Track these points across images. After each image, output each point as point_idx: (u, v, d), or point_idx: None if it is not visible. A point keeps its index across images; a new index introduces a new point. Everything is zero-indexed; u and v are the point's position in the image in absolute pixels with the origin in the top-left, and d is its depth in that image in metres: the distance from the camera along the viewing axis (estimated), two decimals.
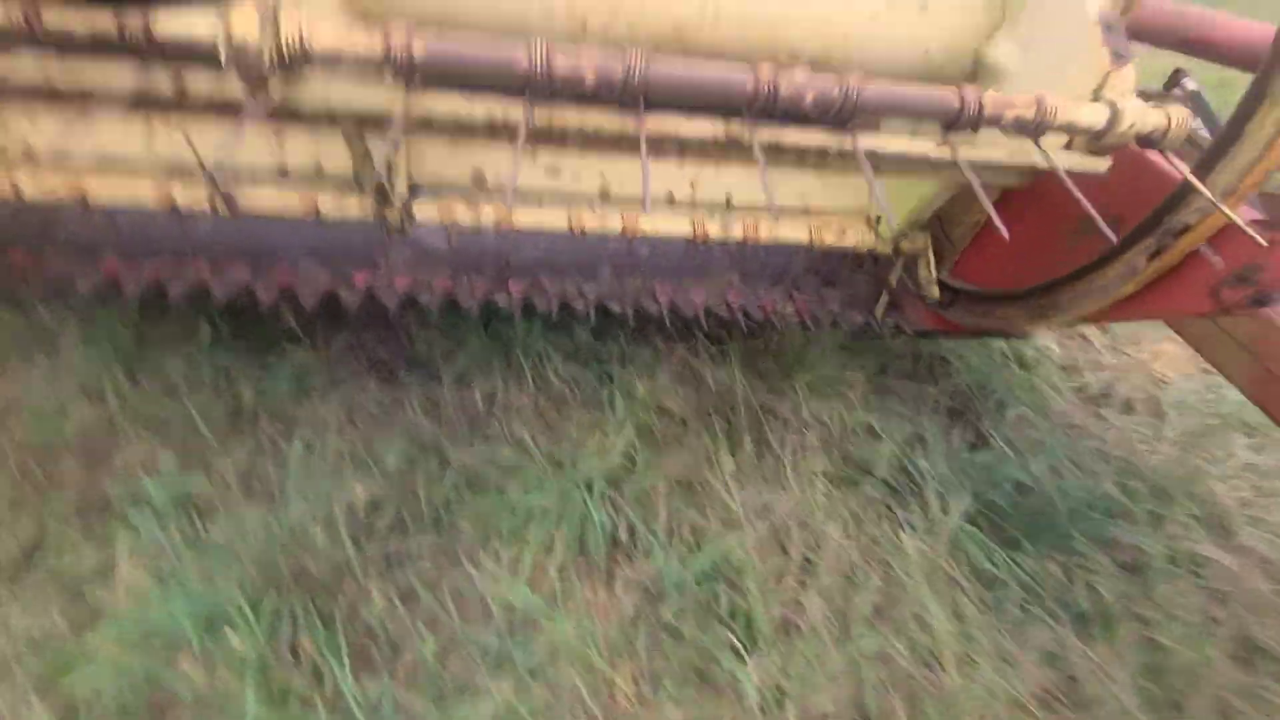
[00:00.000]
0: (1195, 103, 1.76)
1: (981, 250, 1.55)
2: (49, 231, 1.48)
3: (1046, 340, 2.67)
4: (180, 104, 0.84)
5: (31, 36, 0.71)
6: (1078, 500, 1.79)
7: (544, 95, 0.83)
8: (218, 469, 1.57)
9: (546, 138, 0.94)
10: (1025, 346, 2.57)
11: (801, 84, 0.84)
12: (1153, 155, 1.13)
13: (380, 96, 0.86)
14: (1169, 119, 0.90)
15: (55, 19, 0.71)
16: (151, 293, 1.53)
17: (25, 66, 0.80)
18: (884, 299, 1.79)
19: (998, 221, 0.89)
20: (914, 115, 0.89)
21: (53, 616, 1.25)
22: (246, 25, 0.72)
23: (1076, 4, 1.01)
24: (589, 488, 1.69)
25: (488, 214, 1.48)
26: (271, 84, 0.79)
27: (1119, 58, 0.94)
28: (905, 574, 1.58)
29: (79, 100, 0.83)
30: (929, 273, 1.60)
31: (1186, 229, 1.00)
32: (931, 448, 1.92)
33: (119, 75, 0.81)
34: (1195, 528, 1.81)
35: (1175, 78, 1.84)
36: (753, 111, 0.87)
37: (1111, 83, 0.94)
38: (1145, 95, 1.81)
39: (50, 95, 0.83)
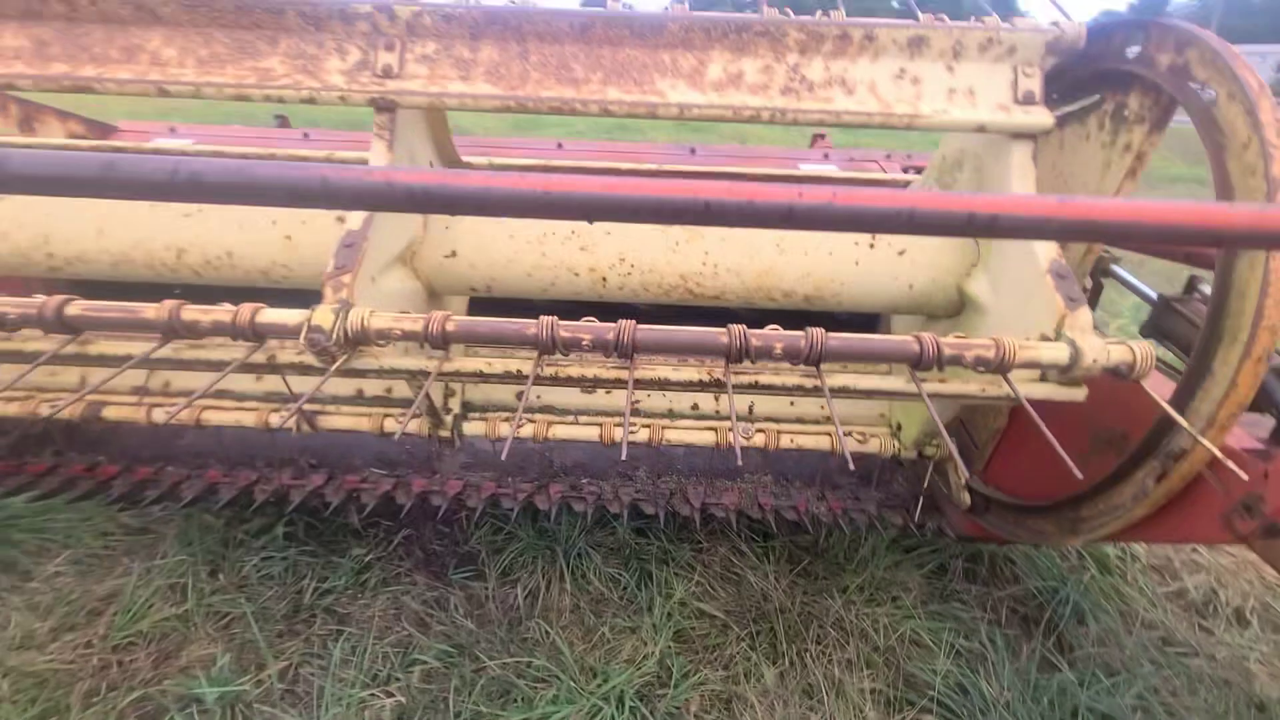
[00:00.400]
0: None
1: (1009, 458, 1.55)
2: (169, 448, 1.77)
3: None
4: (276, 368, 1.08)
5: (172, 330, 0.98)
6: None
7: (553, 353, 1.01)
8: (268, 669, 1.64)
9: (560, 381, 1.11)
10: (1107, 544, 2.37)
11: (771, 337, 0.97)
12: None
13: (423, 360, 1.07)
14: (1134, 354, 0.96)
15: (192, 314, 0.98)
16: (243, 497, 1.75)
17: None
18: (921, 503, 1.77)
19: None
20: (878, 360, 1.00)
21: None
22: (324, 317, 0.95)
23: (1030, 255, 1.14)
24: (620, 702, 1.64)
25: (527, 430, 1.65)
26: (342, 355, 1.02)
27: (1072, 302, 1.04)
28: None
29: (206, 367, 1.08)
30: (959, 479, 1.60)
31: (1184, 453, 1.01)
32: (996, 666, 1.75)
33: (234, 350, 1.06)
34: None
35: (1191, 283, 1.90)
36: (731, 360, 1.00)
37: (1068, 324, 1.02)
38: (1167, 300, 1.88)
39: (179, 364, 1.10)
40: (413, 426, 1.63)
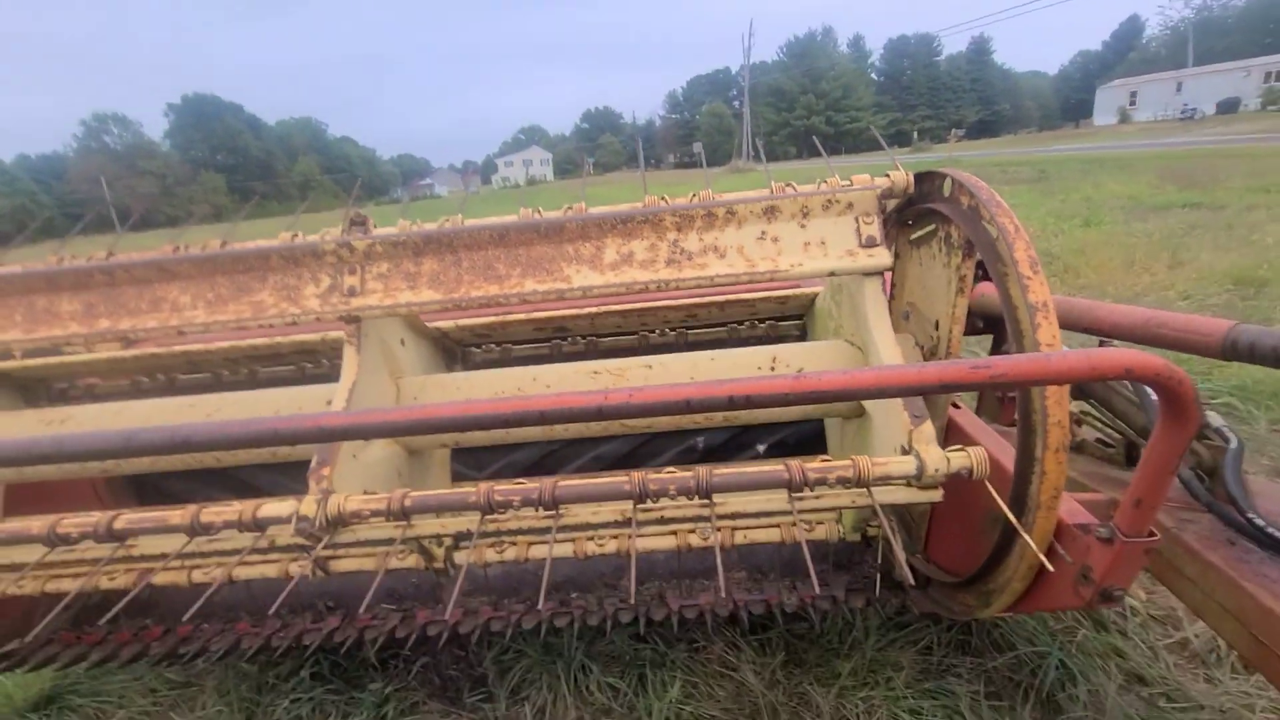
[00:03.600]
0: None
1: (940, 536, 1.69)
2: (205, 605, 2.02)
3: (1131, 592, 2.47)
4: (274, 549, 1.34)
5: (194, 530, 1.25)
6: None
7: (491, 513, 1.24)
8: None
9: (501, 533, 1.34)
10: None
11: (665, 479, 1.19)
12: (1004, 458, 1.33)
13: (392, 528, 1.31)
14: (971, 459, 1.14)
15: (209, 517, 1.25)
16: (266, 645, 1.96)
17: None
18: (879, 580, 1.89)
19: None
20: (758, 488, 1.20)
21: None
22: (309, 507, 1.22)
23: None
24: None
25: (510, 553, 1.85)
26: (326, 535, 1.27)
27: (917, 419, 1.24)
28: None
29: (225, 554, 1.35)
30: (898, 557, 1.73)
31: (1030, 531, 1.16)
32: None
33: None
34: None
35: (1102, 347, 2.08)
36: (637, 501, 1.22)
37: (915, 438, 1.22)
38: None
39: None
40: (411, 561, 1.85)
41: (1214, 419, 1.61)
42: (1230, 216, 9.25)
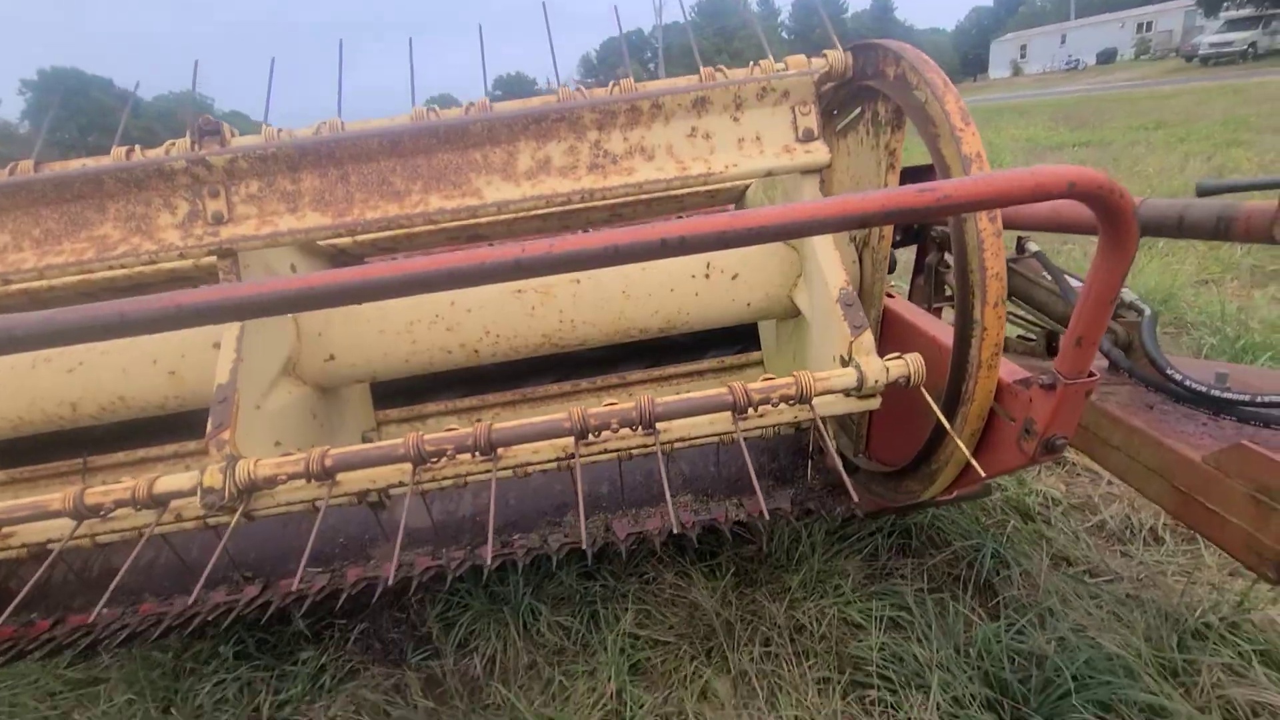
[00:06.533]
0: (1040, 260, 2.02)
1: (880, 433, 1.69)
2: (101, 591, 1.80)
3: (1050, 485, 2.62)
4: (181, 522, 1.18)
5: (80, 515, 1.07)
6: (1096, 665, 1.65)
7: (424, 464, 1.12)
8: None
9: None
10: (1026, 496, 2.52)
11: (606, 413, 1.11)
12: (940, 334, 1.33)
13: (315, 488, 1.16)
14: (909, 367, 1.12)
15: (95, 498, 1.07)
16: (180, 625, 1.77)
17: None
18: (810, 467, 1.89)
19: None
20: (702, 413, 1.14)
21: None
22: (213, 478, 1.06)
23: (824, 283, 1.30)
24: None
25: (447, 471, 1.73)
26: (240, 505, 1.12)
27: (856, 329, 1.20)
28: None
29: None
30: (831, 451, 1.74)
31: (970, 398, 1.16)
32: (925, 631, 1.85)
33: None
34: (1243, 669, 1.62)
35: (1020, 245, 2.13)
36: (580, 437, 1.13)
37: (855, 349, 1.18)
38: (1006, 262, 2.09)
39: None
40: (343, 500, 1.70)
41: (1127, 295, 1.67)
42: (1115, 152, 9.91)
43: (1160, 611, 1.87)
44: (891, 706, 1.67)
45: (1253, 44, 30.96)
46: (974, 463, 1.07)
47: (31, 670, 2.05)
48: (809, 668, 1.81)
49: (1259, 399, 1.23)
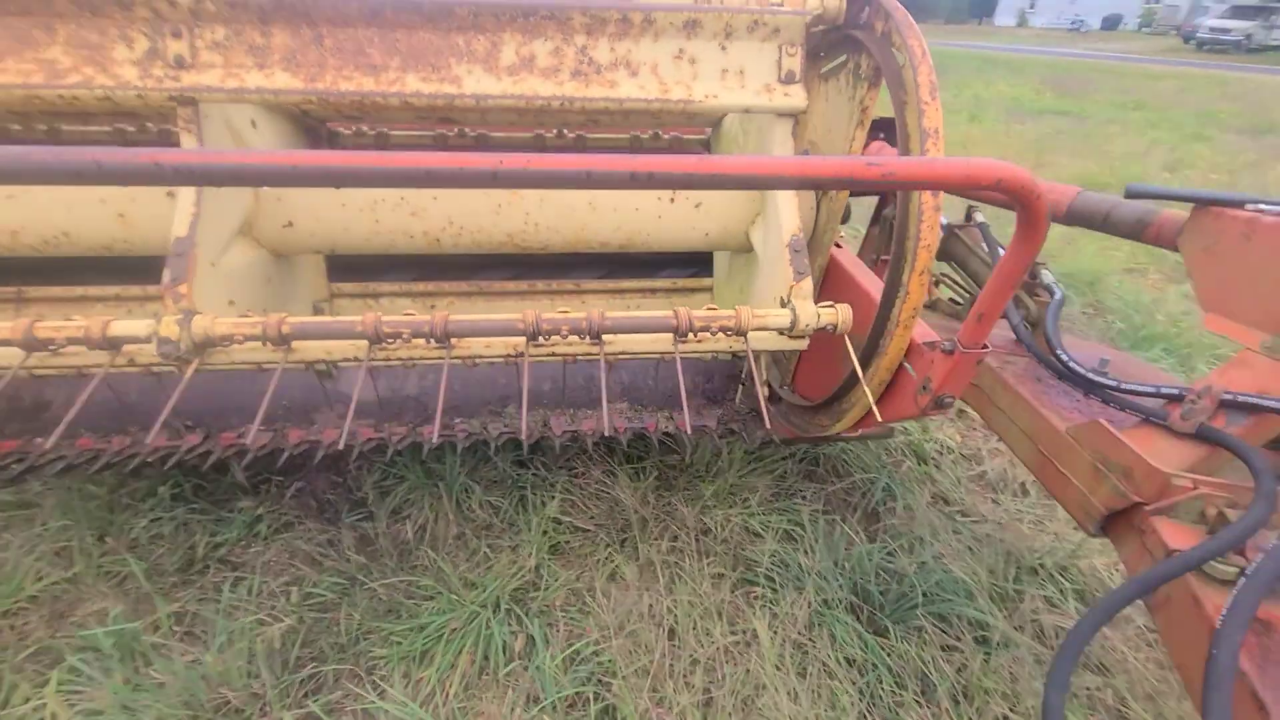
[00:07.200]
0: (982, 231, 2.15)
1: (805, 371, 1.84)
2: (35, 420, 1.82)
3: (948, 435, 2.90)
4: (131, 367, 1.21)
5: (37, 344, 1.08)
6: (944, 586, 1.94)
7: (379, 343, 1.18)
8: (160, 613, 1.78)
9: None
10: (926, 441, 2.79)
11: (558, 320, 1.18)
12: (873, 290, 1.45)
13: (271, 352, 1.21)
14: (838, 316, 1.23)
15: (46, 332, 1.08)
16: (116, 464, 1.83)
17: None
18: (741, 405, 2.06)
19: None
20: (646, 331, 1.23)
21: None
22: (169, 329, 1.08)
23: (778, 226, 1.38)
24: (496, 606, 1.88)
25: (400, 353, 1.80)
26: (194, 359, 1.15)
27: (799, 274, 1.29)
28: (777, 665, 1.72)
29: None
30: (759, 396, 1.89)
31: (884, 353, 1.30)
32: (812, 544, 2.11)
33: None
34: (1059, 601, 1.95)
35: (969, 213, 2.25)
36: (531, 338, 1.20)
37: (795, 292, 1.28)
38: (951, 227, 2.20)
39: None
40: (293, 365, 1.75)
41: (1046, 276, 1.83)
42: (1091, 127, 10.06)
43: (1008, 550, 2.18)
44: (771, 602, 1.93)
45: (1249, 35, 31.04)
46: (875, 410, 1.22)
47: None
48: (707, 564, 2.05)
49: (1123, 386, 1.43)
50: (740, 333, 1.25)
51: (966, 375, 1.15)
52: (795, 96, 1.41)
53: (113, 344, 1.14)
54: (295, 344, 1.22)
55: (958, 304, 2.26)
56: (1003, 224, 1.61)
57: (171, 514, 2.10)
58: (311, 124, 1.75)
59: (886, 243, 2.54)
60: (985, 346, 1.10)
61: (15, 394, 1.97)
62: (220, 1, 1.21)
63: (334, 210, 1.50)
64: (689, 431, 1.83)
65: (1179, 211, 1.51)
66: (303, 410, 2.02)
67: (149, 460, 1.83)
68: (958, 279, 2.25)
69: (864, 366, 1.39)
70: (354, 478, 2.38)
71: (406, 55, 1.29)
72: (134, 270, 1.82)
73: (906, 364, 1.31)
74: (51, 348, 1.15)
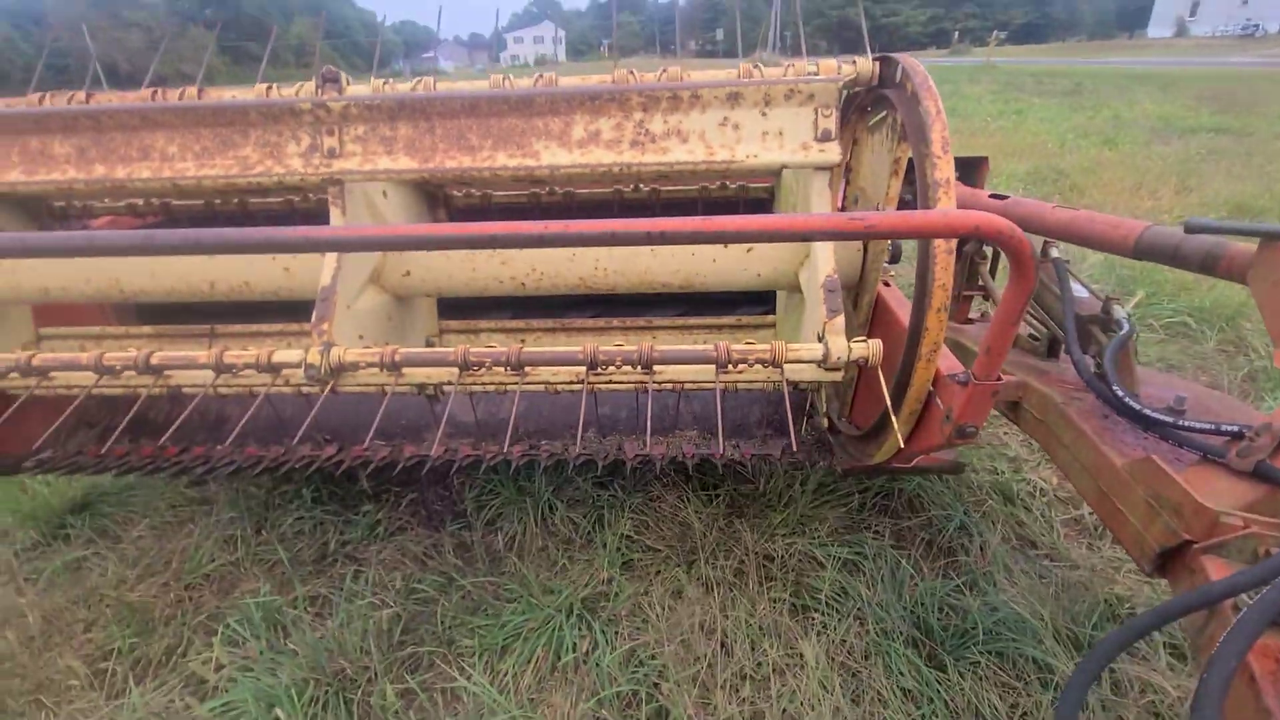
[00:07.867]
0: (1056, 267, 2.11)
1: (860, 402, 1.91)
2: (217, 431, 2.28)
3: (1043, 477, 2.76)
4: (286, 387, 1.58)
5: (219, 369, 1.46)
6: (1007, 623, 1.89)
7: (467, 370, 1.45)
8: (297, 593, 2.14)
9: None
10: (1015, 481, 2.69)
11: (613, 351, 1.39)
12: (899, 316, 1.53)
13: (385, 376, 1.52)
14: (869, 350, 1.34)
15: (231, 358, 1.46)
16: (272, 469, 2.24)
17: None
18: (804, 424, 2.15)
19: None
20: (691, 363, 1.40)
21: (175, 695, 1.82)
22: (314, 357, 1.42)
23: (814, 269, 1.51)
24: (569, 611, 2.07)
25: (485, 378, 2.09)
26: (330, 380, 1.49)
27: (832, 312, 1.41)
28: (826, 685, 1.76)
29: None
30: (821, 409, 1.97)
31: (912, 384, 1.37)
32: (873, 575, 2.12)
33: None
34: (1148, 654, 1.83)
35: (1044, 249, 2.21)
36: (590, 367, 1.42)
37: (828, 329, 1.40)
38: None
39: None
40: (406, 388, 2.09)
41: (1118, 311, 1.79)
42: (1253, 144, 8.98)
43: (1097, 598, 2.07)
44: (827, 627, 1.97)
45: None
46: (898, 435, 1.30)
47: (159, 486, 2.62)
48: (768, 588, 2.13)
49: (1180, 423, 1.39)
50: (776, 364, 1.38)
51: (984, 405, 1.21)
52: (830, 152, 1.55)
53: (274, 369, 1.49)
54: (405, 370, 1.51)
55: (1035, 339, 2.22)
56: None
57: (311, 513, 2.50)
58: (431, 189, 2.12)
59: (969, 279, 2.55)
60: (999, 378, 1.16)
61: (205, 409, 2.48)
62: (361, 106, 1.58)
63: (440, 261, 1.82)
64: (721, 455, 1.96)
65: (1248, 244, 1.46)
66: (415, 429, 2.37)
67: (296, 466, 2.23)
68: (1035, 315, 2.21)
69: (900, 398, 1.47)
70: (458, 492, 2.70)
71: (497, 137, 1.59)
72: (294, 311, 2.27)
73: (936, 396, 1.38)
74: (234, 371, 1.52)
